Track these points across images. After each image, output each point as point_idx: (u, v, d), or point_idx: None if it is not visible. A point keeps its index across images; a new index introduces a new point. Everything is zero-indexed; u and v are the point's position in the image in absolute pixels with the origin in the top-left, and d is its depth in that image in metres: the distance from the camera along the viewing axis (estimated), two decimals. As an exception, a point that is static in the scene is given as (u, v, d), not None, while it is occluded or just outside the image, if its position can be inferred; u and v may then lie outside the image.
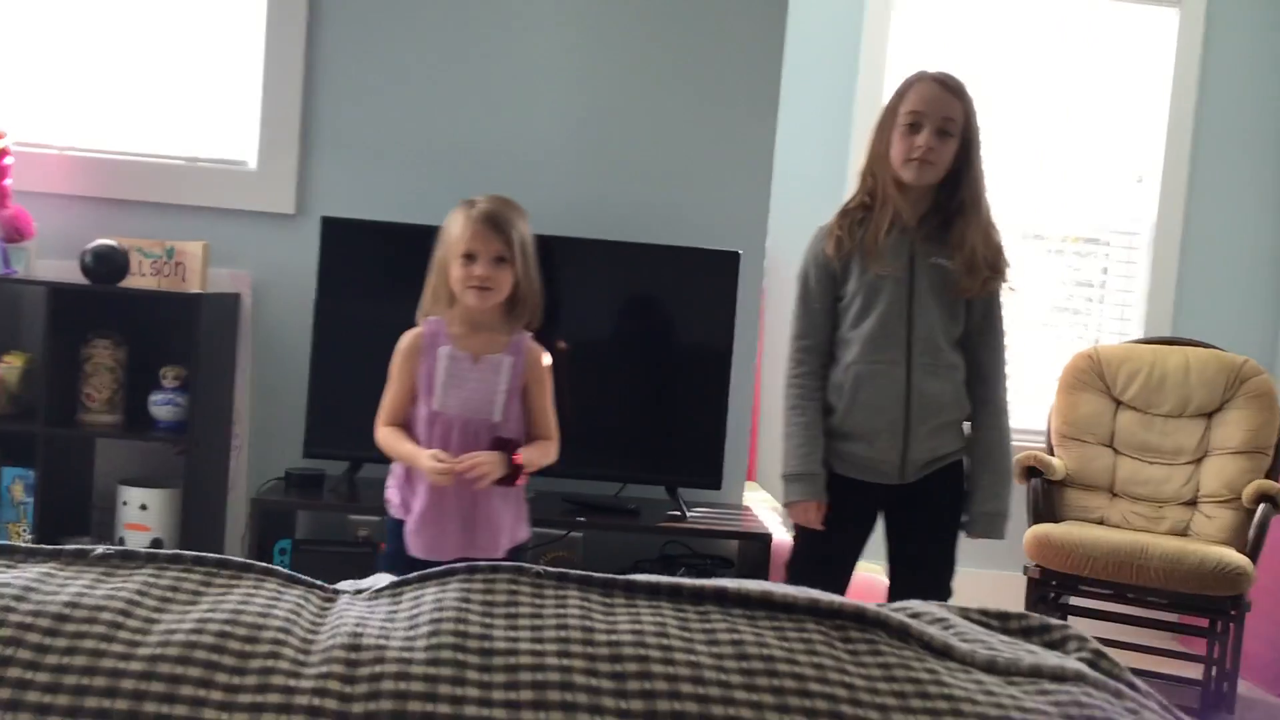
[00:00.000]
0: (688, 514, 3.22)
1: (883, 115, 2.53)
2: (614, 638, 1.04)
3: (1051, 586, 3.48)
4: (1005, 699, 1.01)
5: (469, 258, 2.40)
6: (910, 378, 2.48)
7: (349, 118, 3.43)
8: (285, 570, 1.19)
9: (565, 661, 1.01)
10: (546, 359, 2.52)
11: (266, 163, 3.41)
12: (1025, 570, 3.52)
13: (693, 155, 3.46)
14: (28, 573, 1.10)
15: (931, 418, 2.50)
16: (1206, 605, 3.34)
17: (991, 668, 1.08)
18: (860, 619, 1.11)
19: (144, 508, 3.16)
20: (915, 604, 1.23)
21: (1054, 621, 1.22)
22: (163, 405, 3.18)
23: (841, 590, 2.60)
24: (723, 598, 1.12)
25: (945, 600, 2.59)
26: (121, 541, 3.16)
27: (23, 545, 1.19)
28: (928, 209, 2.51)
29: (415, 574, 1.18)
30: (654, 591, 1.14)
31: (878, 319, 2.48)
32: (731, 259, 3.26)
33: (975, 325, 2.56)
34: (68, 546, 1.18)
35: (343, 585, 1.22)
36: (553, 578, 1.15)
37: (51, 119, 3.46)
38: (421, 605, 1.10)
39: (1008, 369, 2.61)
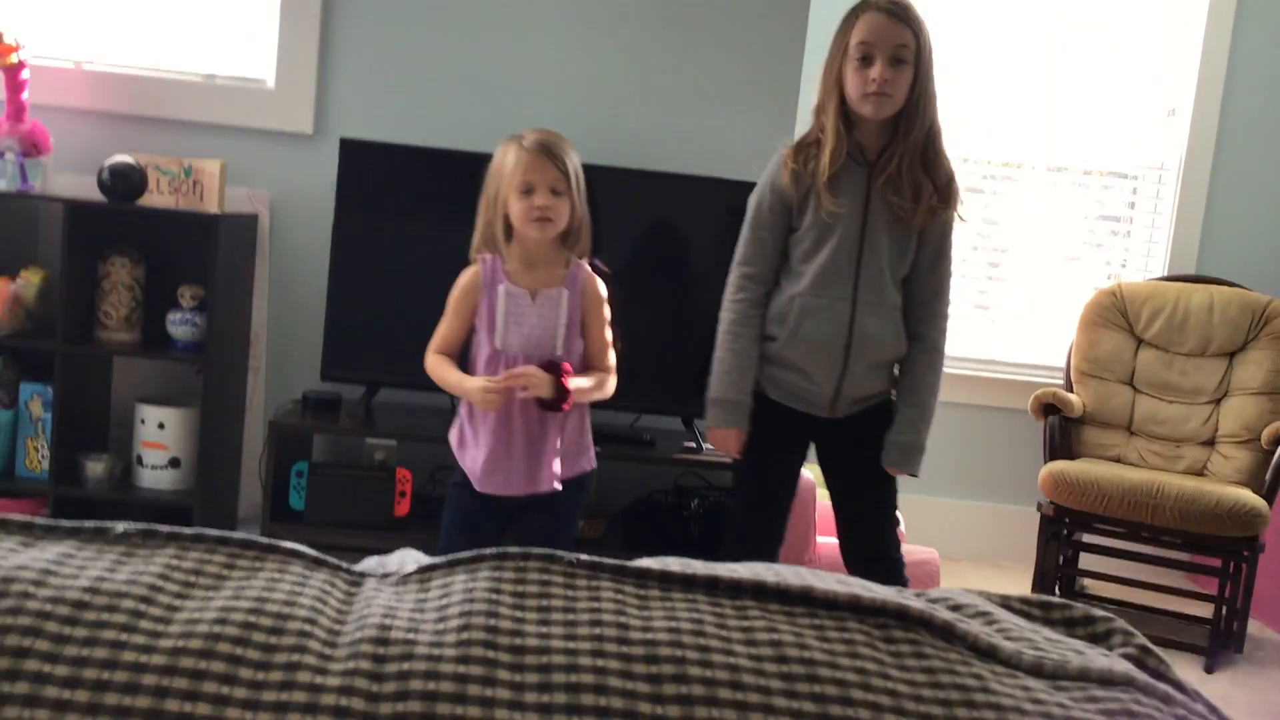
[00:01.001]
0: (703, 445, 3.22)
1: (831, 49, 2.45)
2: (650, 636, 1.01)
3: (1065, 524, 3.48)
4: (1054, 708, 0.98)
5: (527, 191, 2.37)
6: (854, 314, 2.44)
7: (368, 38, 3.37)
8: (311, 551, 1.14)
9: (600, 662, 0.97)
10: (603, 289, 2.49)
11: (285, 82, 3.37)
12: (1039, 507, 3.52)
13: (718, 83, 3.40)
14: (46, 553, 1.05)
15: (869, 356, 2.47)
16: (1220, 545, 3.34)
17: (1039, 671, 1.04)
18: (903, 617, 1.07)
19: (161, 426, 3.18)
20: (957, 595, 1.19)
21: (1098, 613, 1.19)
22: (180, 325, 3.18)
23: (782, 513, 2.61)
24: (761, 592, 1.08)
25: (893, 530, 2.59)
26: (139, 459, 3.18)
27: (40, 521, 1.13)
28: (885, 142, 2.46)
29: (444, 559, 1.14)
30: (689, 584, 1.10)
31: (829, 254, 2.43)
32: (751, 188, 3.21)
33: (923, 259, 2.50)
34: (86, 524, 1.12)
35: (368, 564, 1.18)
36: (585, 567, 1.11)
37: (69, 33, 3.41)
38: (451, 594, 1.06)
39: (948, 307, 2.57)
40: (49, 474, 3.12)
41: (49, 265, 3.21)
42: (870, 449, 2.54)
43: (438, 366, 2.47)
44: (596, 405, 2.54)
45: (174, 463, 3.19)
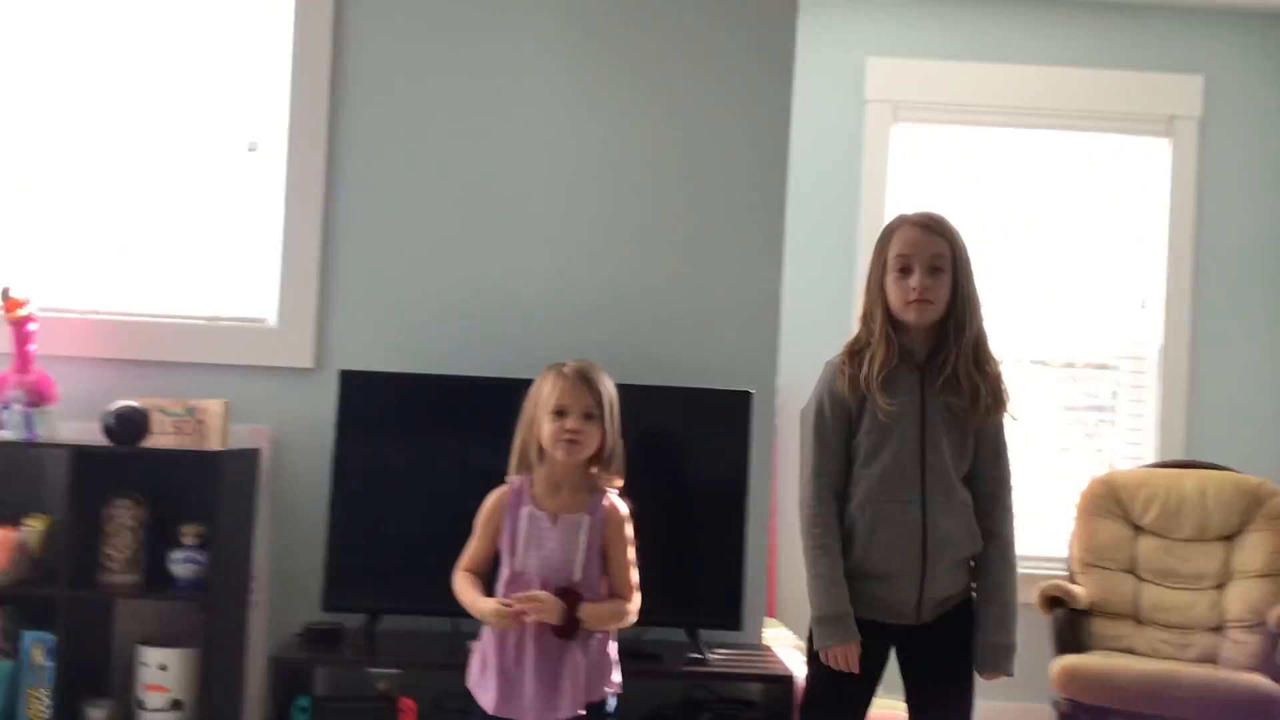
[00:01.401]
0: (709, 656, 3.19)
1: (872, 262, 2.58)
2: None
3: (1082, 720, 3.43)
4: None
5: (560, 413, 2.45)
6: (925, 516, 2.49)
7: (367, 271, 3.51)
8: None
9: None
10: (626, 516, 2.54)
11: (286, 319, 3.48)
12: (1055, 704, 3.46)
13: (702, 298, 3.52)
14: None
15: (947, 556, 2.50)
16: (1241, 734, 3.28)
17: None
18: None
19: (163, 668, 3.14)
20: None
21: None
22: (182, 564, 3.19)
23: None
24: None
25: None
26: (140, 704, 3.14)
27: None
28: (933, 347, 2.55)
29: None
30: None
31: (892, 457, 2.50)
32: (743, 398, 3.29)
33: (982, 457, 2.57)
34: None
35: None
36: None
37: (74, 283, 3.54)
38: None
39: (1013, 500, 2.62)
40: (49, 723, 3.07)
41: (52, 510, 3.24)
42: (953, 652, 2.53)
43: (461, 584, 2.50)
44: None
45: (176, 705, 3.14)
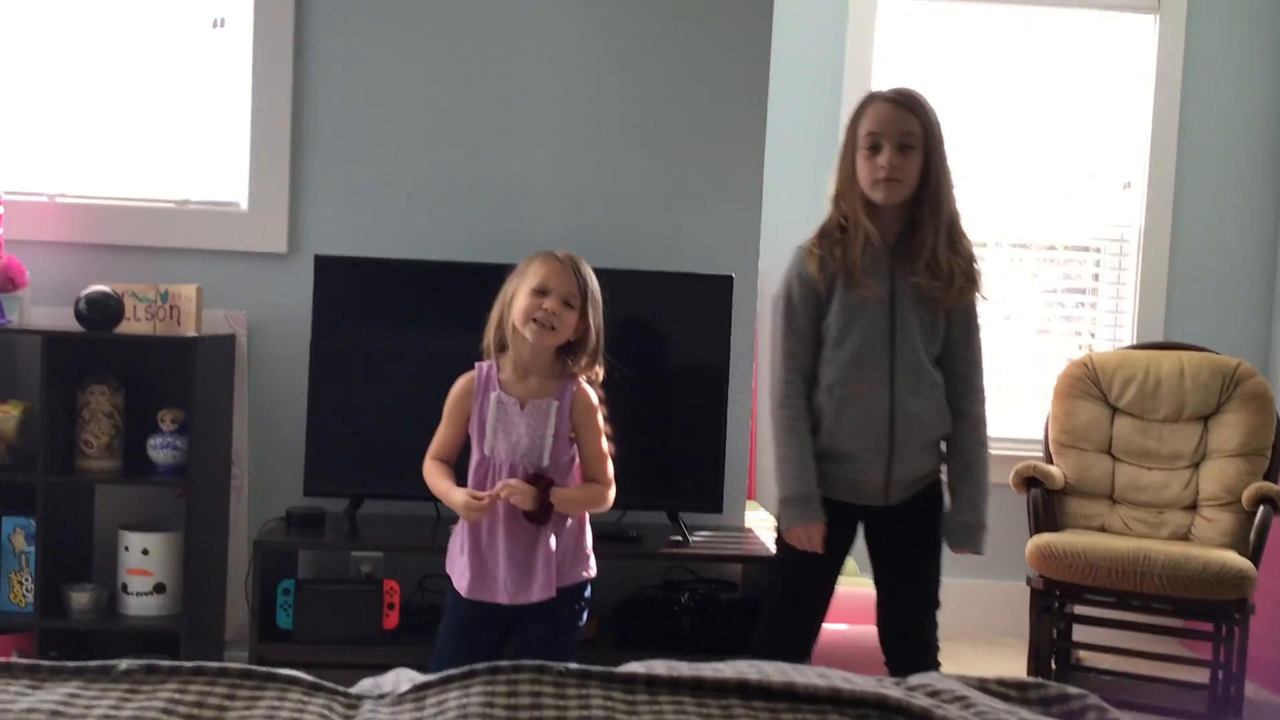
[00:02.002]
0: (690, 539, 3.22)
1: (844, 140, 2.53)
2: None
3: (1055, 596, 3.49)
4: None
5: (540, 292, 2.41)
6: (894, 398, 2.48)
7: (339, 155, 3.44)
8: (307, 677, 1.15)
9: None
10: (596, 402, 2.52)
11: (258, 203, 3.42)
12: (1028, 581, 3.52)
13: (683, 181, 3.47)
14: (53, 694, 1.06)
15: (916, 438, 2.51)
16: (1210, 610, 3.35)
17: None
18: (882, 706, 1.08)
19: (145, 552, 3.16)
20: (935, 680, 1.21)
21: (1072, 690, 1.21)
22: (161, 449, 3.18)
23: (821, 612, 2.62)
24: (745, 690, 1.09)
25: (934, 615, 2.59)
26: (124, 587, 3.16)
27: (45, 664, 1.14)
28: (903, 227, 2.52)
29: (437, 676, 1.16)
30: (676, 686, 1.11)
31: (861, 339, 2.48)
32: (725, 283, 3.27)
33: (954, 339, 2.56)
34: (91, 664, 1.14)
35: (363, 686, 1.20)
36: (575, 676, 1.12)
37: (42, 167, 3.46)
38: (446, 712, 1.06)
39: (985, 380, 2.62)
40: (34, 607, 3.09)
41: (28, 397, 3.22)
42: (921, 529, 2.56)
43: (431, 474, 2.49)
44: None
45: (159, 588, 3.16)
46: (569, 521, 2.49)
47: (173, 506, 3.28)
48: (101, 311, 3.08)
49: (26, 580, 3.12)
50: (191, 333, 3.17)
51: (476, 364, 2.51)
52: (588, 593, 2.59)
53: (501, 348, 2.49)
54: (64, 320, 3.17)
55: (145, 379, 3.28)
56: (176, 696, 1.07)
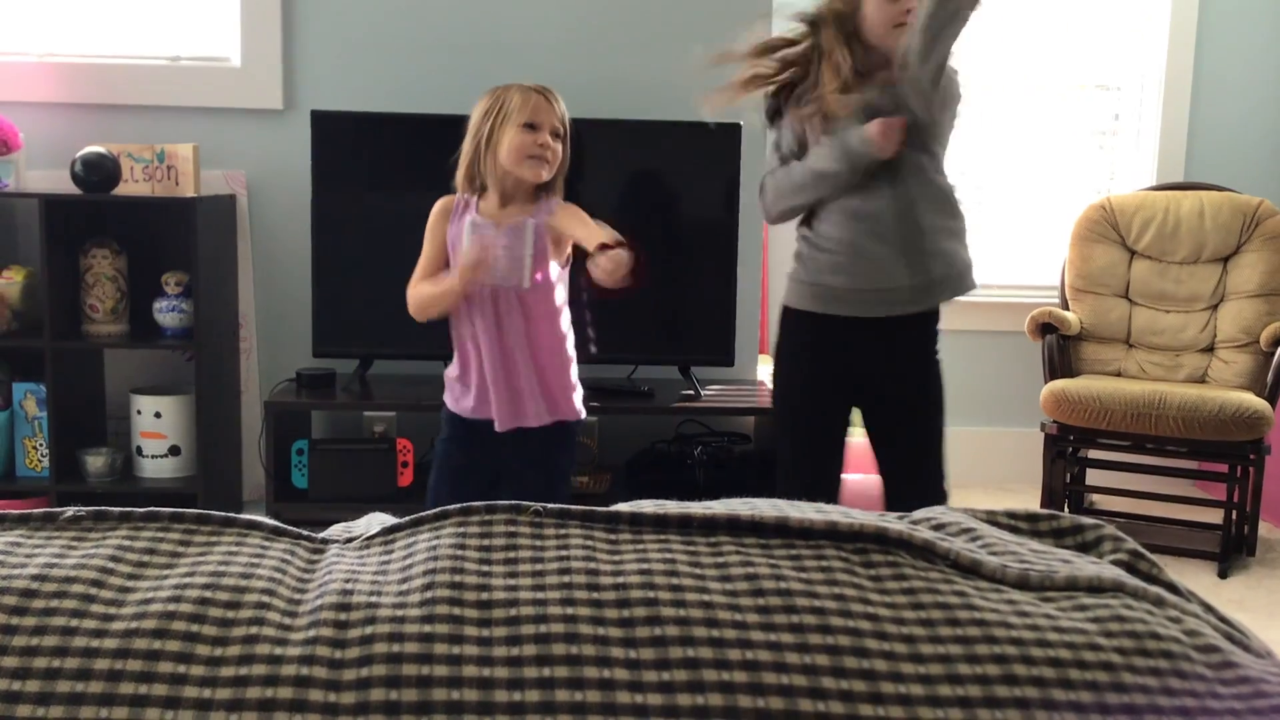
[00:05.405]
0: (702, 392, 3.21)
1: None
2: (620, 580, 0.98)
3: (1069, 442, 3.48)
4: (1040, 619, 0.96)
5: (531, 127, 2.33)
6: (899, 207, 2.39)
7: (332, 7, 3.32)
8: (271, 522, 1.11)
9: (569, 610, 0.95)
10: (573, 207, 2.42)
11: (250, 58, 3.32)
12: (1043, 427, 3.51)
13: (690, 29, 3.35)
14: None
15: (928, 241, 2.41)
16: (1226, 451, 3.34)
17: (1024, 583, 1.02)
18: (881, 539, 1.04)
19: (158, 415, 3.16)
20: (940, 514, 1.17)
21: (1086, 521, 1.17)
22: (168, 312, 3.16)
23: (837, 458, 2.56)
24: (735, 526, 1.05)
25: (941, 438, 2.54)
26: (139, 450, 3.17)
27: None
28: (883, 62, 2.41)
29: (407, 519, 1.12)
30: (661, 524, 1.07)
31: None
32: (733, 131, 3.18)
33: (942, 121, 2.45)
34: (36, 511, 1.11)
35: (333, 531, 1.16)
36: (553, 515, 1.07)
37: (28, 25, 3.36)
38: (415, 554, 1.03)
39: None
40: (49, 472, 3.11)
41: (30, 263, 3.18)
42: (919, 369, 2.49)
43: (419, 287, 2.42)
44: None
45: (174, 450, 3.18)
46: (554, 359, 2.44)
47: (183, 370, 3.28)
48: (98, 173, 3.02)
49: (41, 445, 3.14)
50: (191, 193, 3.12)
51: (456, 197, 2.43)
52: (577, 435, 2.55)
53: (476, 187, 2.40)
54: (61, 184, 3.11)
55: (147, 241, 3.24)
56: (126, 543, 1.04)
